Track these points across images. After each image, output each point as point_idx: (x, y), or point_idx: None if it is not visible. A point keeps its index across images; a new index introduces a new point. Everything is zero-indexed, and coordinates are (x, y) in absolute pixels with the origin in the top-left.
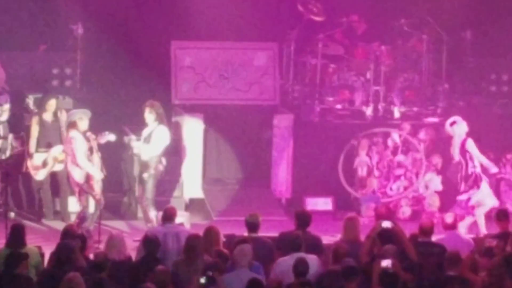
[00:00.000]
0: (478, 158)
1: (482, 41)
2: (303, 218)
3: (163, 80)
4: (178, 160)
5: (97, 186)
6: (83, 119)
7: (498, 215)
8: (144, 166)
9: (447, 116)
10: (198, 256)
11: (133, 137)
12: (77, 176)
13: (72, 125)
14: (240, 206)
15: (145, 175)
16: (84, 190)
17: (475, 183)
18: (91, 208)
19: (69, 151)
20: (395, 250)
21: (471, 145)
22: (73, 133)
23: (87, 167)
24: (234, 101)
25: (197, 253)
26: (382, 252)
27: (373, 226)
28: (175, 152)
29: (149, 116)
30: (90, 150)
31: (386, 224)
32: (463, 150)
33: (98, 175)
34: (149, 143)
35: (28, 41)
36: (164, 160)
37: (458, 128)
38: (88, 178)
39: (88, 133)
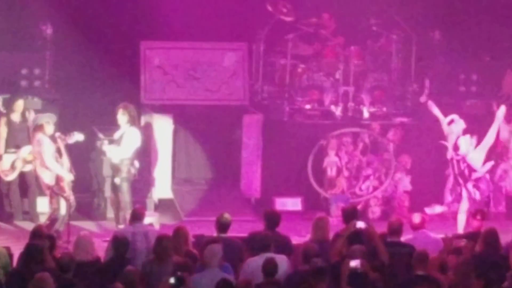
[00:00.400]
0: (468, 156)
1: (451, 41)
2: (272, 218)
3: (132, 80)
4: (147, 161)
5: (68, 188)
6: (49, 123)
7: (476, 214)
8: (116, 169)
9: (416, 116)
10: (168, 256)
11: (105, 141)
12: (47, 178)
13: (38, 128)
14: (210, 206)
15: (117, 180)
16: (55, 192)
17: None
18: (62, 210)
19: (37, 154)
20: (363, 250)
21: (463, 143)
22: (39, 136)
23: (56, 169)
24: (203, 101)
25: (167, 253)
26: (350, 252)
27: (347, 226)
28: (144, 153)
29: (122, 118)
30: (59, 151)
31: (360, 224)
32: (456, 148)
33: (68, 177)
34: (120, 146)
35: None
36: (136, 163)
37: (456, 126)
38: (58, 180)
39: (57, 134)
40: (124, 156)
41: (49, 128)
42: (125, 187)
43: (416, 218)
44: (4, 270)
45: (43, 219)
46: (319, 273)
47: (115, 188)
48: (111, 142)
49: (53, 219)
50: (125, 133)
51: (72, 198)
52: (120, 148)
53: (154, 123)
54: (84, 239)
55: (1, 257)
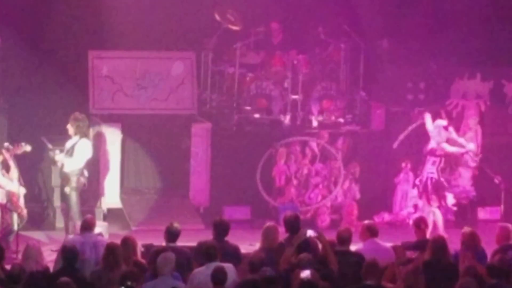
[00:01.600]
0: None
1: (398, 49)
2: (221, 228)
3: (81, 89)
4: (96, 170)
5: (21, 201)
6: None
7: (418, 223)
8: (65, 179)
9: (364, 124)
10: (117, 266)
11: (57, 151)
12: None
13: None
14: (159, 215)
15: (66, 189)
16: (8, 208)
17: None
18: (15, 224)
19: None
20: (311, 259)
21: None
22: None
23: (8, 185)
24: (152, 111)
25: (116, 262)
26: (298, 261)
27: (297, 235)
28: (93, 162)
29: (70, 129)
30: (6, 163)
31: (310, 233)
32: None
33: (19, 190)
34: (72, 156)
35: None
36: (86, 172)
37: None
38: (10, 195)
39: (6, 144)
40: (76, 167)
41: None
42: (74, 197)
43: (370, 226)
44: None
45: None
46: (270, 282)
47: (64, 198)
48: (63, 152)
49: (6, 233)
50: (77, 144)
51: (25, 211)
52: (72, 158)
53: (103, 133)
54: (33, 249)
55: None
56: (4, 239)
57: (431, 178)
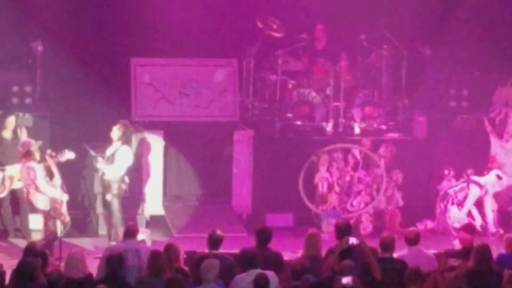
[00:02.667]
0: None
1: (441, 56)
2: (263, 235)
3: (123, 97)
4: (139, 177)
5: (64, 208)
6: (38, 150)
7: (466, 229)
8: (106, 186)
9: (406, 131)
10: (162, 273)
11: (99, 158)
12: (42, 204)
13: (27, 155)
14: (201, 222)
15: (108, 197)
16: (51, 215)
17: None
18: (59, 231)
19: (28, 181)
20: (354, 266)
21: None
22: (29, 163)
23: (50, 192)
24: (194, 118)
25: (161, 269)
26: (341, 268)
27: (339, 242)
28: (135, 169)
29: (115, 133)
30: (49, 170)
31: (353, 240)
32: None
33: (63, 197)
34: (112, 163)
35: None
36: (126, 179)
37: None
38: (53, 202)
39: (48, 151)
40: (117, 174)
41: (37, 155)
42: (115, 204)
43: (411, 233)
44: None
45: (35, 236)
46: None
47: (106, 205)
48: (104, 159)
49: (49, 240)
50: (117, 151)
51: (67, 218)
52: (113, 166)
53: (145, 140)
54: (75, 256)
55: None
56: (47, 245)
57: None
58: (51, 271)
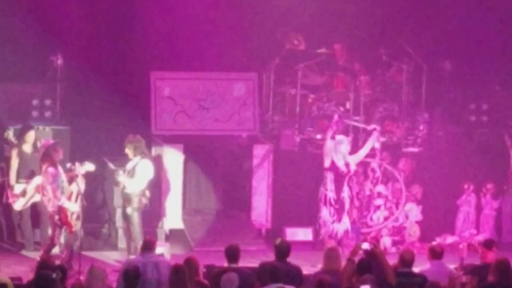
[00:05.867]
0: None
1: (461, 71)
2: (282, 249)
3: (142, 110)
4: (158, 191)
5: (73, 218)
6: (57, 150)
7: (489, 245)
8: (127, 199)
9: (426, 145)
10: (183, 287)
11: (120, 171)
12: (52, 208)
13: (45, 158)
14: (220, 236)
15: (128, 210)
16: (56, 224)
17: None
18: (61, 237)
19: (44, 184)
20: (373, 279)
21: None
22: (45, 166)
23: (62, 201)
24: (213, 132)
25: (182, 283)
26: (361, 281)
27: (352, 249)
28: (155, 183)
29: (128, 152)
30: (70, 180)
31: (365, 246)
32: None
33: (72, 207)
34: (133, 177)
35: (8, 72)
36: (147, 193)
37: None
38: (61, 211)
39: (68, 164)
40: (138, 188)
41: (57, 155)
42: (136, 217)
43: (437, 247)
44: None
45: (54, 250)
46: None
47: (126, 218)
48: (126, 172)
49: (47, 246)
50: (138, 165)
51: (75, 229)
52: (134, 179)
53: (165, 154)
54: (97, 270)
55: (7, 287)
56: (46, 253)
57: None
58: (73, 284)
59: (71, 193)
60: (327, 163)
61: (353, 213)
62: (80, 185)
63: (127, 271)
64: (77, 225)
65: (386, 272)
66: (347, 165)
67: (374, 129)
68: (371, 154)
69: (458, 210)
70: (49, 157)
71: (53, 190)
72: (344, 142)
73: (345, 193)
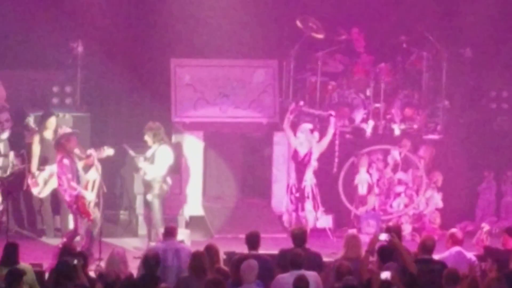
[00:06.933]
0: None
1: (482, 58)
2: (298, 236)
3: (162, 97)
4: (178, 178)
5: (90, 206)
6: (69, 140)
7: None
8: (148, 186)
9: (447, 133)
10: (204, 274)
11: (140, 158)
12: (68, 198)
13: (59, 147)
14: (240, 223)
15: (149, 197)
16: (74, 212)
17: None
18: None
19: (60, 174)
20: (396, 266)
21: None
22: (60, 156)
23: (76, 190)
24: (233, 119)
25: (203, 270)
26: (384, 268)
27: (370, 240)
28: (175, 170)
29: (148, 139)
30: (88, 166)
31: (383, 236)
32: None
33: (89, 196)
34: (153, 164)
35: (28, 59)
36: (168, 179)
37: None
38: (78, 199)
39: (89, 151)
40: (158, 174)
41: (70, 145)
42: (156, 204)
43: (458, 234)
44: (30, 287)
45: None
46: None
47: (147, 205)
48: (146, 159)
49: (70, 236)
50: (157, 151)
51: (95, 216)
52: (154, 166)
53: (185, 141)
54: (117, 256)
55: (27, 274)
56: (68, 242)
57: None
58: (99, 271)
59: (87, 182)
60: (291, 152)
61: (373, 200)
62: (96, 172)
63: (147, 257)
64: (95, 213)
65: (406, 262)
66: (308, 154)
67: (330, 115)
68: (392, 141)
69: (479, 197)
70: (62, 147)
71: (68, 181)
72: (305, 131)
73: (307, 182)
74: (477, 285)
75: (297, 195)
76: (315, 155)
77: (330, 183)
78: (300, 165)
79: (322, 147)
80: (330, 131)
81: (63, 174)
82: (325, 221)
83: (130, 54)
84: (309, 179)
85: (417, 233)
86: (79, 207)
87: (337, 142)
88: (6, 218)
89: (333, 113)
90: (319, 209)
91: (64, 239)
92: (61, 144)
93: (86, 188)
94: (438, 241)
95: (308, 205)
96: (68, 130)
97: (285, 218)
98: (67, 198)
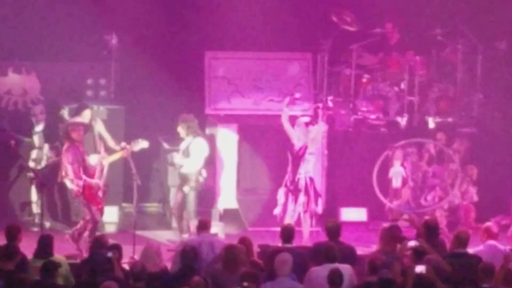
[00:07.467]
0: None
1: None
2: (333, 229)
3: (197, 90)
4: (212, 171)
5: (99, 195)
6: (75, 129)
7: None
8: (184, 178)
9: (482, 126)
10: (237, 267)
11: (175, 152)
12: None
13: (66, 135)
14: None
15: (186, 189)
16: (83, 202)
17: None
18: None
19: (65, 164)
20: (433, 261)
21: None
22: (66, 145)
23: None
24: (268, 111)
25: (236, 263)
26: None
27: (400, 247)
28: (209, 162)
29: (181, 131)
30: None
31: (412, 243)
32: None
33: (95, 184)
34: (189, 157)
35: (63, 51)
36: (204, 172)
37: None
38: (87, 189)
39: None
40: (194, 167)
41: (76, 135)
42: (192, 197)
43: (494, 227)
44: (64, 278)
45: (109, 229)
46: (386, 285)
47: (181, 197)
48: (179, 153)
49: (91, 229)
50: (191, 144)
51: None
52: (190, 159)
53: (219, 133)
54: (152, 249)
55: (62, 266)
56: (91, 235)
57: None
58: (132, 263)
59: (95, 169)
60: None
61: (407, 193)
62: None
63: (185, 251)
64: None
65: (440, 263)
66: (303, 148)
67: (317, 107)
68: (426, 134)
69: None
70: (67, 136)
71: (74, 170)
72: (300, 125)
73: (301, 175)
74: (507, 279)
75: (291, 187)
76: (310, 149)
77: (365, 176)
78: (295, 158)
79: (316, 140)
80: (320, 123)
81: (69, 163)
82: (358, 214)
83: (164, 46)
84: (304, 172)
85: (452, 227)
86: (86, 196)
87: (325, 135)
88: (40, 211)
89: (320, 105)
90: (309, 205)
91: (87, 233)
92: (66, 133)
93: (93, 176)
94: (473, 235)
95: (301, 198)
96: (78, 119)
97: (276, 211)
98: (74, 187)
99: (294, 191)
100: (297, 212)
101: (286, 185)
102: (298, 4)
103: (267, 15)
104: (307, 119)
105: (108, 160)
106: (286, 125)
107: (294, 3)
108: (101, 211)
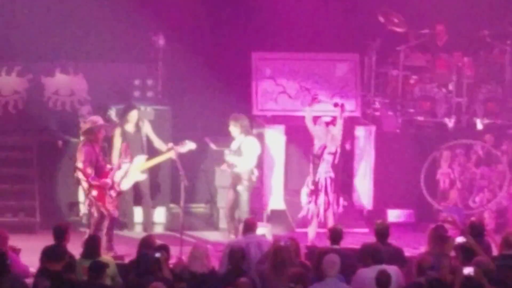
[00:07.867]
0: None
1: None
2: (382, 230)
3: (243, 91)
4: (260, 172)
5: (108, 196)
6: (99, 131)
7: None
8: (237, 178)
9: None
10: (285, 268)
11: (226, 151)
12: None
13: (83, 133)
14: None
15: (239, 188)
16: (92, 202)
17: None
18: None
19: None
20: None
21: None
22: (83, 144)
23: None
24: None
25: (284, 264)
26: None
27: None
28: (256, 164)
29: (234, 129)
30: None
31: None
32: None
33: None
34: (242, 156)
35: (110, 52)
36: (256, 171)
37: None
38: (96, 188)
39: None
40: (248, 166)
41: (96, 136)
42: (245, 196)
43: None
44: (111, 279)
45: (157, 229)
46: (434, 286)
47: (234, 197)
48: (232, 152)
49: (108, 229)
50: (243, 143)
51: (108, 208)
52: (243, 158)
53: (266, 134)
54: (200, 250)
55: (110, 267)
56: (108, 234)
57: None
58: (175, 264)
59: (110, 170)
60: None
61: (455, 195)
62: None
63: (233, 252)
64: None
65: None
66: (322, 147)
67: (336, 104)
68: (474, 136)
69: None
70: (88, 134)
71: (84, 168)
72: (321, 124)
73: (321, 175)
74: None
75: (312, 188)
76: (329, 149)
77: (412, 177)
78: (315, 157)
79: (336, 140)
80: (339, 121)
81: (81, 160)
82: (406, 215)
83: (211, 47)
84: (323, 172)
85: (500, 229)
86: (97, 196)
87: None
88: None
89: (339, 102)
90: (330, 206)
91: (104, 230)
92: (90, 131)
93: (107, 176)
94: None
95: (321, 198)
96: (100, 121)
97: (301, 213)
98: (84, 184)
99: (315, 191)
100: (318, 212)
101: (308, 186)
102: (345, 5)
103: (314, 16)
104: (328, 118)
105: (155, 161)
106: (310, 125)
107: (342, 3)
108: (107, 212)
